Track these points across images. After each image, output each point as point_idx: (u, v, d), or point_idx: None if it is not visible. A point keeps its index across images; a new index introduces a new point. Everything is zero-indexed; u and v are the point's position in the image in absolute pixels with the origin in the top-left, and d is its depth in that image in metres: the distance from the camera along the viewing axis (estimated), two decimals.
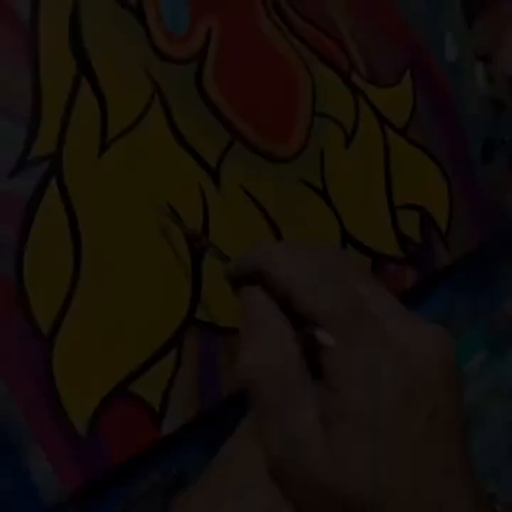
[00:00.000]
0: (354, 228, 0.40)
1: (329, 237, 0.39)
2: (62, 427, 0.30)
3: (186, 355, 0.35)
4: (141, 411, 0.33)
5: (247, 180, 0.36)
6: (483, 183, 0.47)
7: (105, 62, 0.32)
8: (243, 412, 0.40)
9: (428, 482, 0.22)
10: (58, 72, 0.31)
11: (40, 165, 0.30)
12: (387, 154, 0.41)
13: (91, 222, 0.31)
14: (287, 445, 0.22)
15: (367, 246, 0.40)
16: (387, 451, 0.22)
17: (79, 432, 0.31)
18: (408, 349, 0.22)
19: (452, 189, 0.44)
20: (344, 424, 0.22)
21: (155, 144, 0.34)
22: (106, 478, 0.33)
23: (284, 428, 0.22)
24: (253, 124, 0.36)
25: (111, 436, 0.32)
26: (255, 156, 0.36)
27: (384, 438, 0.21)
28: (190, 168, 0.35)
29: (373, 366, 0.21)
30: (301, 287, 0.22)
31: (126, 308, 0.32)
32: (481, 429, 0.50)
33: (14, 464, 0.30)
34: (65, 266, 0.31)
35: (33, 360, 0.30)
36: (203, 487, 0.27)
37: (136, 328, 0.33)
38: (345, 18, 0.39)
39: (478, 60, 0.46)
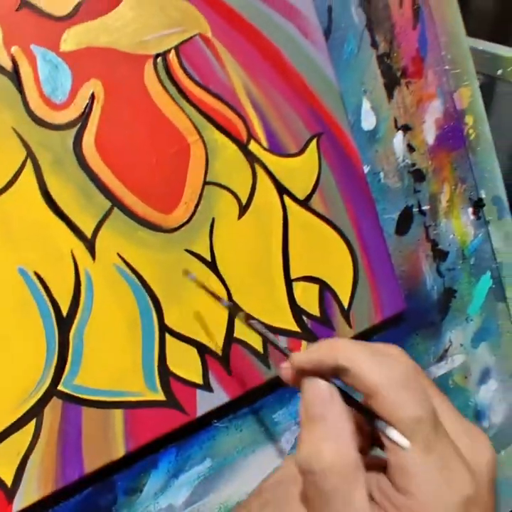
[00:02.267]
0: (244, 300, 0.39)
1: (215, 309, 0.38)
2: None
3: (46, 428, 0.34)
4: None
5: (126, 251, 0.35)
6: (397, 254, 0.46)
7: None
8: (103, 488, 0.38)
9: None
10: None
11: None
12: (286, 225, 0.40)
13: None
14: None
15: (257, 319, 0.39)
16: None
17: None
18: (471, 458, 0.24)
19: (358, 262, 0.42)
20: None
21: (25, 210, 0.33)
22: None
23: None
24: (136, 192, 0.35)
25: None
26: (136, 225, 0.35)
27: None
28: (63, 235, 0.34)
29: (445, 470, 0.23)
30: (386, 391, 0.24)
31: None
32: None
33: None
34: None
35: None
36: None
37: None
38: (244, 86, 0.38)
39: (397, 130, 0.45)
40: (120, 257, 0.35)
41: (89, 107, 0.34)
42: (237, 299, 0.39)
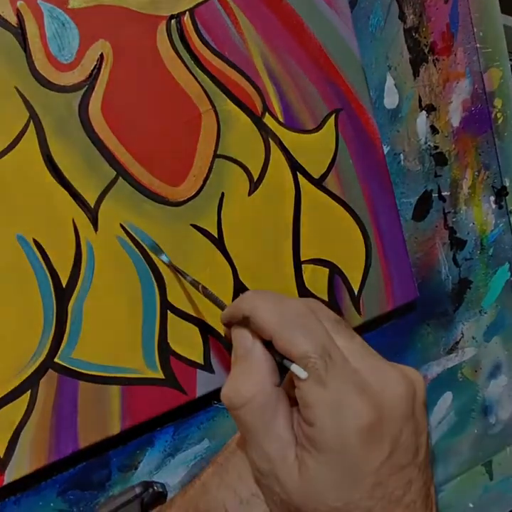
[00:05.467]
0: (251, 280, 0.37)
1: (221, 288, 0.36)
2: None
3: (41, 400, 0.33)
4: None
5: (130, 223, 0.34)
6: (413, 241, 0.44)
7: None
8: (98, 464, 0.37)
9: (386, 510, 0.25)
10: None
11: None
12: (298, 205, 0.38)
13: None
14: (265, 462, 0.26)
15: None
16: (350, 478, 0.25)
17: None
18: (372, 386, 0.25)
19: (371, 247, 0.41)
20: (314, 451, 0.25)
21: (26, 175, 0.31)
22: None
23: (262, 447, 0.26)
24: (143, 162, 0.34)
25: None
26: (141, 196, 0.34)
27: (348, 465, 0.25)
28: (65, 203, 0.32)
29: (340, 401, 0.25)
30: (279, 332, 0.26)
31: None
32: None
33: None
34: None
35: None
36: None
37: None
38: (262, 55, 0.36)
39: (421, 110, 0.43)
40: (123, 228, 0.34)
41: (97, 69, 0.32)
42: (243, 279, 0.37)
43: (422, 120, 0.43)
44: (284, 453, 0.26)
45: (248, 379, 0.27)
